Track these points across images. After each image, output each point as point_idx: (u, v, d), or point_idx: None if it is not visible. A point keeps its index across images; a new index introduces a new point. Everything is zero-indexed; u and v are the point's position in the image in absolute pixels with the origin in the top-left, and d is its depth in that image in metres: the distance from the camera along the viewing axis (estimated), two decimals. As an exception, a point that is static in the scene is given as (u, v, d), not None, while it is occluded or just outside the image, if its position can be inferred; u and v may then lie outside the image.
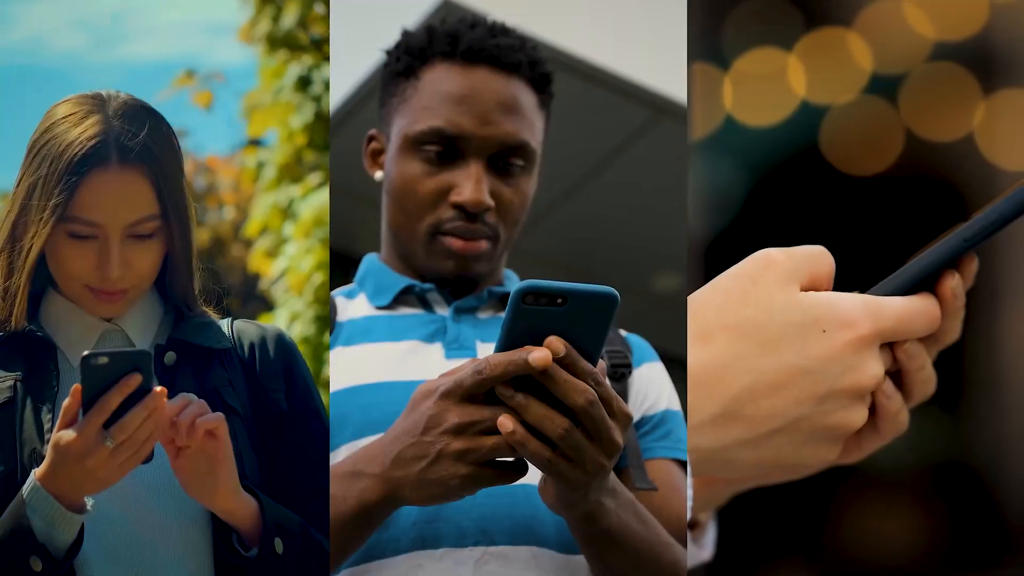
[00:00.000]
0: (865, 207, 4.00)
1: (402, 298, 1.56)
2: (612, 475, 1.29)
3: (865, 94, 3.99)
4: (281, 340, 1.49)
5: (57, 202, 1.36)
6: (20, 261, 1.40)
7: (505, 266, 1.62)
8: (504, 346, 1.16)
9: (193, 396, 1.31)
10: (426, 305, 1.56)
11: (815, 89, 3.97)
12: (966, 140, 3.86)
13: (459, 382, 1.17)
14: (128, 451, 1.27)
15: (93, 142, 1.37)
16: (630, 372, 1.53)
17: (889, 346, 1.11)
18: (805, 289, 1.10)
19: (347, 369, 1.48)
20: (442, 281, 1.55)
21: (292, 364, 1.49)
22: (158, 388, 1.27)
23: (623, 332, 1.60)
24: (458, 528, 1.37)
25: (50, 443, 1.29)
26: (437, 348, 1.50)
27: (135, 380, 1.26)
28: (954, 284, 1.11)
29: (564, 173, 5.03)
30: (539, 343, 1.14)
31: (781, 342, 1.08)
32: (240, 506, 1.34)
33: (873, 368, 1.08)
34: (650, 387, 1.54)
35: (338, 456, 1.42)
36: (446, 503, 1.24)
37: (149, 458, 1.29)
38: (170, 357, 1.43)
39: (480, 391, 1.17)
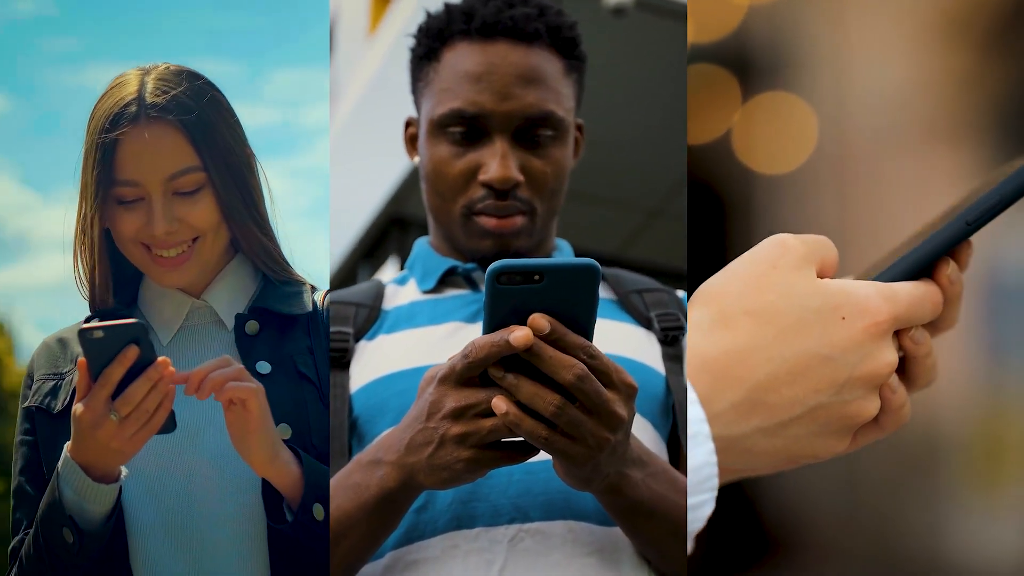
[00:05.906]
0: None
1: (449, 279, 1.58)
2: (639, 445, 1.30)
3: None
4: None
5: (99, 170, 1.39)
6: (89, 240, 1.44)
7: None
8: (489, 328, 1.15)
9: (230, 359, 1.33)
10: (473, 285, 1.57)
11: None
12: (722, 141, 3.87)
13: (452, 367, 1.19)
14: (136, 423, 1.29)
15: (123, 103, 1.40)
16: (683, 334, 1.52)
17: (894, 335, 1.11)
18: (818, 276, 1.10)
19: (389, 356, 1.49)
20: (484, 260, 1.55)
21: None
22: (161, 359, 1.30)
23: (680, 293, 1.60)
24: (493, 506, 1.38)
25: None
26: (479, 328, 1.49)
27: (132, 352, 1.28)
28: (950, 271, 1.12)
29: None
30: (526, 321, 1.14)
31: (802, 329, 1.07)
32: (279, 474, 1.35)
33: (889, 355, 1.09)
34: None
35: None
36: (474, 483, 1.26)
37: (168, 428, 1.31)
38: (252, 326, 1.45)
39: (472, 374, 1.18)
